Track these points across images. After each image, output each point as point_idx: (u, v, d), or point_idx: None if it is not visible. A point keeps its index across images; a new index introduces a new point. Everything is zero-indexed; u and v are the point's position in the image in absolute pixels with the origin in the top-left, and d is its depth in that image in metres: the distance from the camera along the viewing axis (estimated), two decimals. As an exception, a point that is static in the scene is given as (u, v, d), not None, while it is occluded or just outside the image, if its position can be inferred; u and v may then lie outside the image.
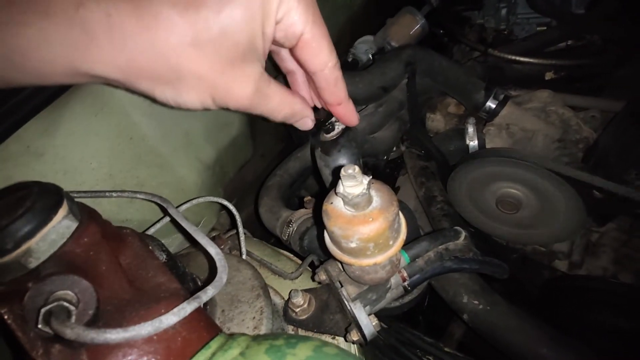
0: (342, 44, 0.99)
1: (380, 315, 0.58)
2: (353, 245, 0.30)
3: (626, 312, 0.67)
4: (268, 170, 0.81)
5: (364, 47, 0.94)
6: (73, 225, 0.27)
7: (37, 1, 0.23)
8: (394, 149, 0.82)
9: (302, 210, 0.58)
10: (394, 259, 0.33)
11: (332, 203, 0.31)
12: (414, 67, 0.66)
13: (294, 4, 0.27)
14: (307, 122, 0.36)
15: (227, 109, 0.30)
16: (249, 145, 0.78)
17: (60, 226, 0.26)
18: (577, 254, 0.77)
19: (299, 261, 0.54)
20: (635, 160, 0.63)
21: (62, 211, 0.27)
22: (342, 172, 0.28)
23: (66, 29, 0.23)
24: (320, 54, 0.30)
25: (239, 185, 0.82)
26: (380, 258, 0.31)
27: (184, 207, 0.50)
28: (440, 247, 0.42)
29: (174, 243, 0.66)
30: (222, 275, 0.27)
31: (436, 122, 0.88)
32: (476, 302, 0.60)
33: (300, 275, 0.50)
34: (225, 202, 0.52)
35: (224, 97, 0.27)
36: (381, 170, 0.82)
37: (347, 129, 0.47)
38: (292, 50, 0.31)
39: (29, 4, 0.23)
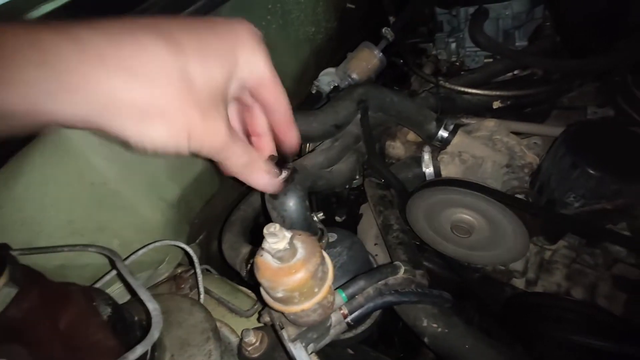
0: (307, 75, 1.03)
1: (341, 344, 0.61)
2: (280, 294, 0.33)
3: (577, 327, 0.70)
4: (239, 200, 0.83)
5: (327, 79, 0.99)
6: (13, 291, 0.29)
7: None
8: (357, 177, 0.86)
9: (260, 247, 0.60)
10: (324, 302, 0.36)
11: (262, 256, 0.34)
12: (366, 105, 0.70)
13: (261, 54, 0.30)
14: (260, 176, 0.33)
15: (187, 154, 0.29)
16: (214, 179, 0.81)
17: (0, 294, 0.28)
18: (531, 272, 0.81)
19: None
20: (572, 184, 0.68)
21: (3, 279, 0.29)
22: (265, 230, 0.31)
23: (31, 67, 0.20)
24: (281, 94, 0.32)
25: (208, 218, 0.84)
26: (307, 304, 0.34)
27: (140, 252, 0.52)
28: (379, 283, 0.45)
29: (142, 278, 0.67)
30: (154, 332, 0.29)
31: (396, 149, 0.92)
32: (435, 325, 0.63)
33: (256, 312, 0.52)
34: (182, 245, 0.54)
35: (202, 136, 0.26)
36: (345, 198, 0.86)
37: (294, 172, 0.51)
38: (254, 91, 0.32)
39: None
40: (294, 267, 0.32)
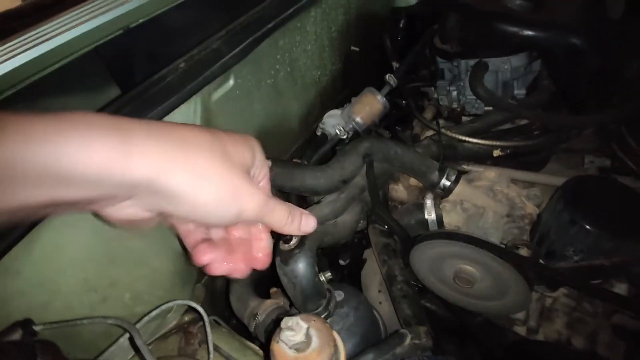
0: (312, 116, 1.07)
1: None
2: (295, 383, 0.34)
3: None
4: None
5: (332, 122, 1.02)
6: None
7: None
8: (361, 222, 0.88)
9: (268, 302, 0.61)
10: (336, 385, 0.38)
11: (278, 342, 0.35)
12: (371, 158, 0.73)
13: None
14: (305, 219, 0.37)
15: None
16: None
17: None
18: (533, 320, 0.83)
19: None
20: (570, 239, 0.70)
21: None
22: (282, 324, 0.33)
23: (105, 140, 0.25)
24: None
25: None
26: (321, 392, 0.35)
27: (153, 313, 0.54)
28: (387, 354, 0.46)
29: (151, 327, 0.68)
30: None
31: (399, 192, 0.95)
32: (438, 378, 0.64)
33: (264, 373, 0.53)
34: (194, 305, 0.56)
35: (246, 197, 0.32)
36: (349, 242, 0.87)
37: (304, 238, 0.53)
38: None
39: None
40: (309, 357, 0.34)
